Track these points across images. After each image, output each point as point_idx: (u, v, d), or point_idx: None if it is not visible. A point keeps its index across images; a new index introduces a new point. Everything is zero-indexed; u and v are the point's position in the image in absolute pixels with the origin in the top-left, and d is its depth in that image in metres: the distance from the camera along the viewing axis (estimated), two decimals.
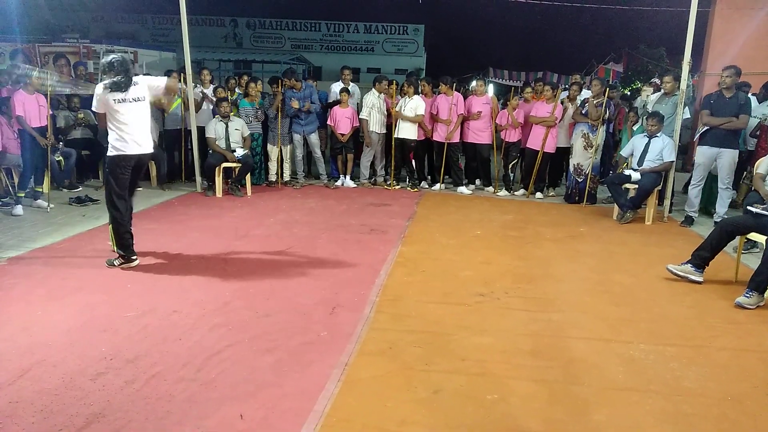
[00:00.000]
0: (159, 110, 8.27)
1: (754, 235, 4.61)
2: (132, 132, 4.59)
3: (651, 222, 6.79)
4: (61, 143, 7.50)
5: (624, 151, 7.12)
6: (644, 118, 7.13)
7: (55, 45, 10.95)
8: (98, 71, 8.32)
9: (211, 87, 8.35)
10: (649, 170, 6.66)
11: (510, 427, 2.62)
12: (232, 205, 7.04)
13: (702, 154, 6.60)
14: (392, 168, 8.66)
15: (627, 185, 6.83)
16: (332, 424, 2.57)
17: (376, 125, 8.32)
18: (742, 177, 7.50)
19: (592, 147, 7.57)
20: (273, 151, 8.21)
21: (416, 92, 8.33)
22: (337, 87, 8.73)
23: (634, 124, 7.64)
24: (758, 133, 7.25)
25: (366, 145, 8.42)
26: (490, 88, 15.07)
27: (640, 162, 6.77)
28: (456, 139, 8.32)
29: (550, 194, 8.41)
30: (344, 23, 30.71)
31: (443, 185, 8.63)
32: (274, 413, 2.65)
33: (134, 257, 4.64)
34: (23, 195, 6.41)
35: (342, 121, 8.29)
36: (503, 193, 8.39)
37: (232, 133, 7.59)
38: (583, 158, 7.67)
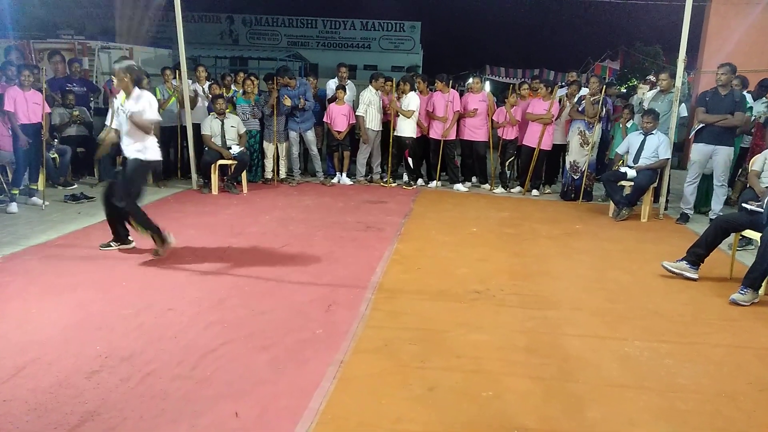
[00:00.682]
0: None
1: (748, 232, 4.62)
2: None
3: (646, 219, 6.80)
4: (56, 140, 7.47)
5: (620, 149, 7.13)
6: (640, 115, 7.14)
7: (50, 41, 10.86)
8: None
9: (206, 84, 8.32)
10: (645, 167, 6.68)
11: (505, 424, 2.62)
12: (227, 203, 7.03)
13: (697, 151, 6.61)
14: (389, 165, 8.66)
15: (623, 182, 6.85)
16: (327, 422, 2.58)
17: (372, 122, 8.31)
18: (737, 174, 7.53)
19: (588, 144, 7.58)
20: (269, 148, 8.20)
21: (413, 89, 8.33)
22: (332, 84, 8.72)
23: (627, 121, 7.65)
24: (753, 130, 7.27)
25: (362, 142, 8.41)
26: (487, 86, 15.08)
27: (636, 159, 6.78)
28: (452, 136, 8.32)
29: (547, 191, 8.42)
30: (341, 20, 30.63)
31: (440, 182, 8.63)
32: (269, 411, 2.65)
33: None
34: (17, 192, 6.38)
35: (338, 118, 8.28)
36: (499, 190, 8.39)
37: (227, 130, 7.58)
38: (579, 155, 7.68)
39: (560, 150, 8.34)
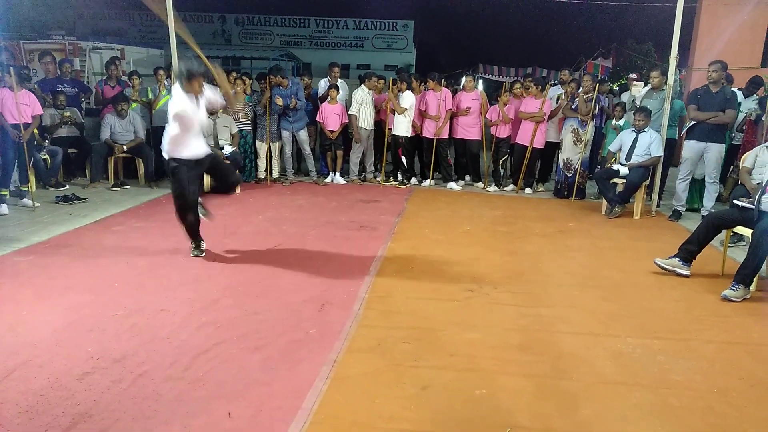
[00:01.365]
0: (146, 107, 8.23)
1: (740, 229, 4.65)
2: None
3: (639, 216, 6.83)
4: (47, 141, 7.43)
5: (612, 146, 7.16)
6: (632, 113, 7.16)
7: (41, 42, 10.78)
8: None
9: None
10: (637, 165, 6.70)
11: (498, 422, 2.62)
12: (220, 203, 6.96)
13: (689, 148, 6.64)
14: (382, 164, 8.65)
15: (615, 180, 6.87)
16: (320, 422, 2.57)
17: (365, 121, 8.31)
18: (728, 171, 7.57)
19: (581, 142, 7.60)
20: (262, 148, 8.18)
21: (409, 88, 8.33)
22: (324, 83, 8.70)
23: (619, 119, 7.67)
24: (744, 127, 7.31)
25: (355, 142, 8.40)
26: (480, 84, 15.09)
27: (628, 157, 6.80)
28: (445, 135, 8.32)
29: (540, 189, 8.44)
30: (333, 19, 30.57)
31: (433, 181, 8.63)
32: (262, 411, 2.64)
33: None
34: (7, 194, 6.34)
35: (331, 117, 8.26)
36: (493, 188, 8.41)
37: (220, 130, 7.55)
38: (572, 153, 7.70)
39: (553, 148, 8.35)
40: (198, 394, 2.76)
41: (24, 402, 2.64)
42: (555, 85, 8.74)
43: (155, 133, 8.27)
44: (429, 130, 8.31)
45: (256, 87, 8.52)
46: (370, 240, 5.53)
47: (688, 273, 4.68)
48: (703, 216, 6.44)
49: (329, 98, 8.28)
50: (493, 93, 12.06)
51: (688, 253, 4.70)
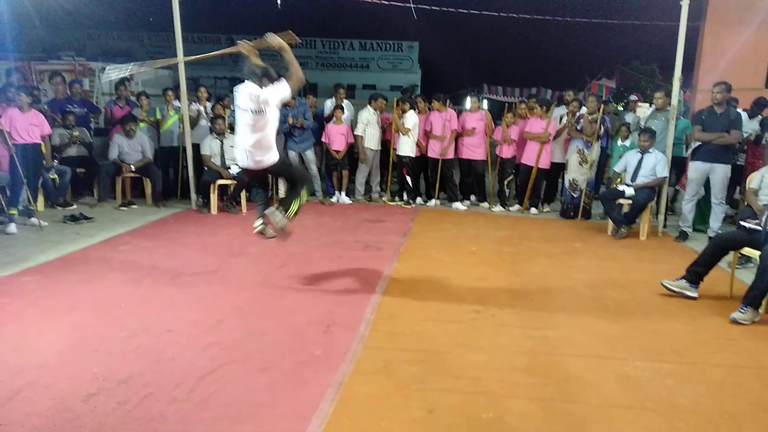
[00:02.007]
0: (153, 127, 8.31)
1: (747, 250, 4.62)
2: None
3: (645, 237, 6.81)
4: (55, 161, 7.49)
5: (617, 167, 7.17)
6: (637, 134, 7.18)
7: (51, 63, 10.97)
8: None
9: (209, 104, 8.38)
10: (643, 185, 6.70)
11: None
12: (227, 222, 7.03)
13: (695, 169, 6.64)
14: (388, 184, 8.68)
15: (621, 201, 6.87)
16: None
17: (371, 141, 8.36)
18: (734, 192, 7.55)
19: (587, 162, 7.61)
20: None
21: (412, 108, 8.40)
22: (330, 103, 8.78)
23: (625, 139, 7.69)
24: (745, 148, 7.31)
25: (361, 162, 8.45)
26: (485, 104, 15.17)
27: (634, 177, 6.80)
28: (451, 155, 8.36)
29: (545, 210, 8.43)
30: (339, 40, 30.91)
31: (438, 201, 8.65)
32: None
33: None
34: (16, 213, 6.38)
35: (336, 137, 8.32)
36: (498, 209, 8.41)
37: (227, 150, 7.61)
38: (578, 174, 7.71)
39: (559, 168, 8.37)
40: (203, 415, 2.75)
41: (29, 423, 2.63)
42: (560, 105, 8.77)
43: (163, 153, 8.35)
44: (434, 150, 8.35)
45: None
46: (376, 260, 5.53)
47: (695, 295, 4.65)
48: (710, 237, 6.41)
49: (334, 119, 8.34)
50: (498, 113, 12.13)
51: (696, 274, 4.68)
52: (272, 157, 4.44)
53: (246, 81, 4.46)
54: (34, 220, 6.50)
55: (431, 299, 4.50)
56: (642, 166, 6.76)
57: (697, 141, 6.57)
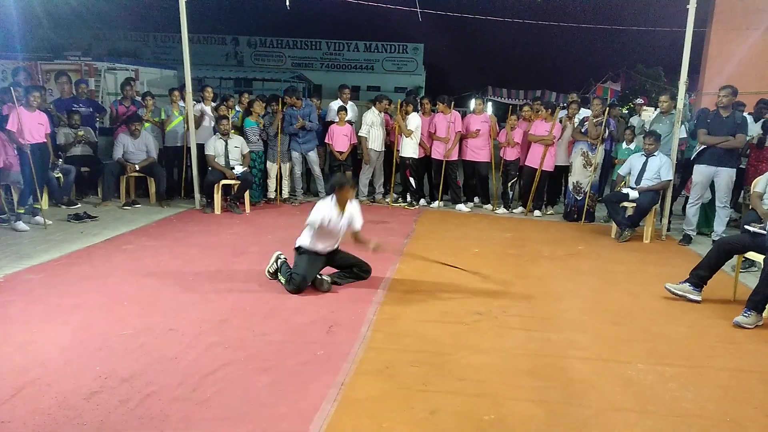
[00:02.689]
0: (158, 127, 8.34)
1: (752, 254, 4.61)
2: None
3: (649, 240, 6.79)
4: (60, 160, 7.52)
5: (622, 170, 7.15)
6: (642, 137, 7.17)
7: (57, 63, 11.01)
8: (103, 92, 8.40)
9: (212, 104, 8.39)
10: (647, 189, 6.69)
11: None
12: (230, 222, 7.04)
13: (699, 172, 6.62)
14: (391, 186, 8.68)
15: (625, 203, 6.85)
16: None
17: (375, 143, 8.36)
18: (739, 196, 7.51)
19: (591, 165, 7.60)
20: (273, 168, 8.24)
21: (415, 110, 8.41)
22: (335, 105, 8.79)
23: (630, 142, 7.68)
24: (748, 151, 7.28)
25: (364, 163, 8.45)
26: (489, 107, 15.17)
27: (638, 181, 6.79)
28: (454, 156, 8.36)
29: (549, 212, 8.42)
30: (344, 42, 31.00)
31: (442, 203, 8.65)
32: None
33: None
34: (23, 211, 6.41)
35: (339, 138, 8.33)
36: (502, 210, 8.40)
37: (231, 151, 7.62)
38: (582, 176, 7.70)
39: (562, 171, 8.36)
40: (205, 415, 2.75)
41: (32, 421, 2.64)
42: (564, 107, 8.77)
43: (167, 153, 8.37)
44: (438, 152, 8.35)
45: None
46: (379, 261, 5.51)
47: (699, 298, 4.63)
48: (713, 241, 6.38)
49: (338, 119, 8.36)
50: (502, 115, 12.13)
51: (699, 278, 4.66)
52: None
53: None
54: (38, 218, 6.53)
55: (434, 301, 4.49)
56: (646, 169, 6.75)
57: (703, 144, 6.55)
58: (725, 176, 6.45)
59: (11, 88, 6.63)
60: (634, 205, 6.73)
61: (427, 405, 2.91)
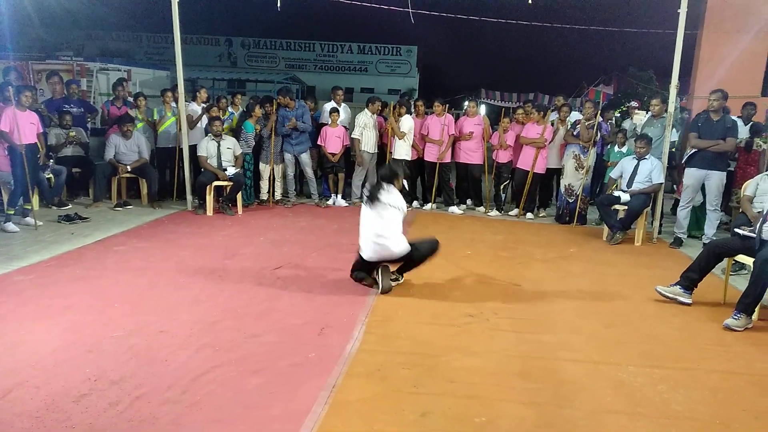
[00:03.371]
0: (150, 127, 8.30)
1: (741, 257, 4.64)
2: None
3: (640, 243, 6.82)
4: (51, 161, 7.47)
5: (613, 173, 7.19)
6: (634, 140, 7.21)
7: (49, 63, 10.93)
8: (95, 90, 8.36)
9: (203, 105, 8.35)
10: (638, 192, 6.72)
11: None
12: (222, 224, 7.02)
13: (690, 176, 6.66)
14: None
15: (616, 206, 6.88)
16: None
17: (368, 145, 8.36)
18: (729, 199, 7.57)
19: (583, 168, 7.63)
20: (265, 170, 8.23)
21: (408, 112, 8.41)
22: (329, 107, 8.79)
23: (622, 146, 7.72)
24: (737, 155, 7.34)
25: (357, 164, 8.45)
26: (482, 109, 15.20)
27: (629, 184, 6.82)
28: (447, 159, 8.37)
29: (541, 215, 8.45)
30: (338, 43, 31.01)
31: (434, 205, 8.65)
32: None
33: None
34: (13, 212, 6.36)
35: (332, 140, 8.32)
36: (494, 213, 8.41)
37: (223, 152, 7.60)
38: (574, 179, 7.73)
39: (554, 173, 8.39)
40: (195, 417, 2.74)
41: (19, 424, 2.62)
42: (555, 110, 8.81)
43: (159, 154, 8.33)
44: (431, 154, 8.36)
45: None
46: None
47: (689, 301, 4.66)
48: (704, 244, 6.43)
49: (330, 121, 8.35)
50: (495, 118, 12.16)
51: (690, 281, 4.69)
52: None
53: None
54: (29, 219, 6.49)
55: (426, 303, 4.50)
56: (638, 172, 6.78)
57: (693, 148, 6.59)
58: (716, 179, 6.49)
59: (3, 87, 6.59)
60: (626, 208, 6.77)
61: (418, 407, 2.91)
